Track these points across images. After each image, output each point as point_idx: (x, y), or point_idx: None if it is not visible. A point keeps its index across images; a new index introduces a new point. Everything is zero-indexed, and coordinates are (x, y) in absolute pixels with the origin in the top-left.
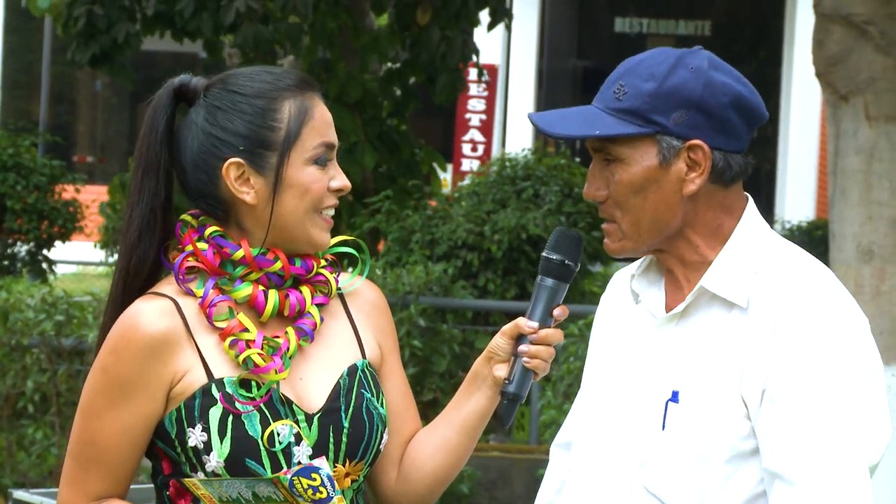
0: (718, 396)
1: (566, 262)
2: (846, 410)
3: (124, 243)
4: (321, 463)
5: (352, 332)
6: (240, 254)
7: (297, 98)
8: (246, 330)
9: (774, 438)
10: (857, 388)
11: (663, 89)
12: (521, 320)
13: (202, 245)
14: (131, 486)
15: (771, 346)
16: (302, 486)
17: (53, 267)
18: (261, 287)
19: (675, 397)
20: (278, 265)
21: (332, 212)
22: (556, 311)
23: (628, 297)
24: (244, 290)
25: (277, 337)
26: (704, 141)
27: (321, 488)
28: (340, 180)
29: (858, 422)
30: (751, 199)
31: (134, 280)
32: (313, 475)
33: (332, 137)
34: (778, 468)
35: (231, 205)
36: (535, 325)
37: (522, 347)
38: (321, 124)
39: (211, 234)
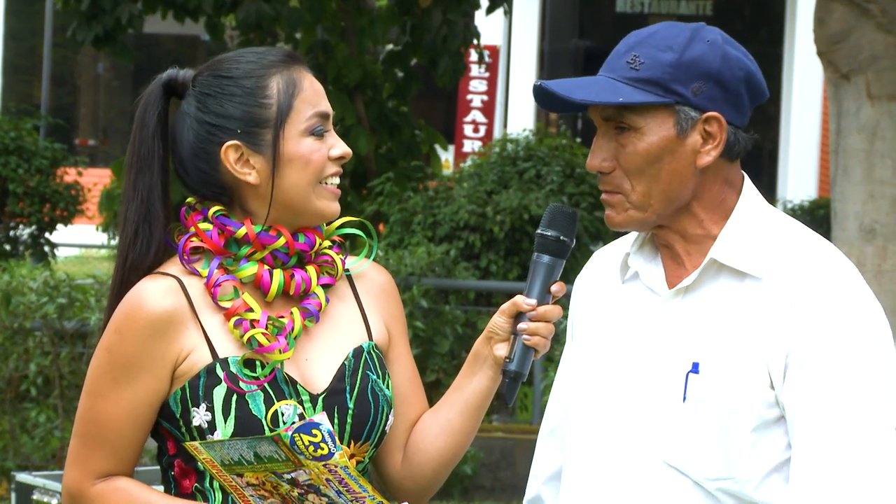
0: (742, 365)
1: (561, 237)
2: (873, 374)
3: (121, 241)
4: (322, 419)
5: (359, 313)
6: (242, 231)
7: (284, 72)
8: (251, 310)
9: (804, 403)
10: (881, 352)
11: (683, 60)
12: (518, 298)
13: (205, 226)
14: (136, 469)
15: (792, 315)
16: (303, 443)
17: (55, 250)
18: (266, 267)
19: (695, 369)
20: (282, 241)
21: (336, 180)
22: (553, 288)
23: (613, 276)
24: (249, 270)
25: (282, 317)
26: (720, 113)
27: (322, 444)
28: (340, 148)
29: (884, 385)
30: (746, 175)
31: (130, 275)
32: (314, 431)
33: (326, 107)
34: (809, 432)
35: (234, 189)
36: (534, 302)
37: (521, 325)
38: (312, 95)
39: (214, 213)
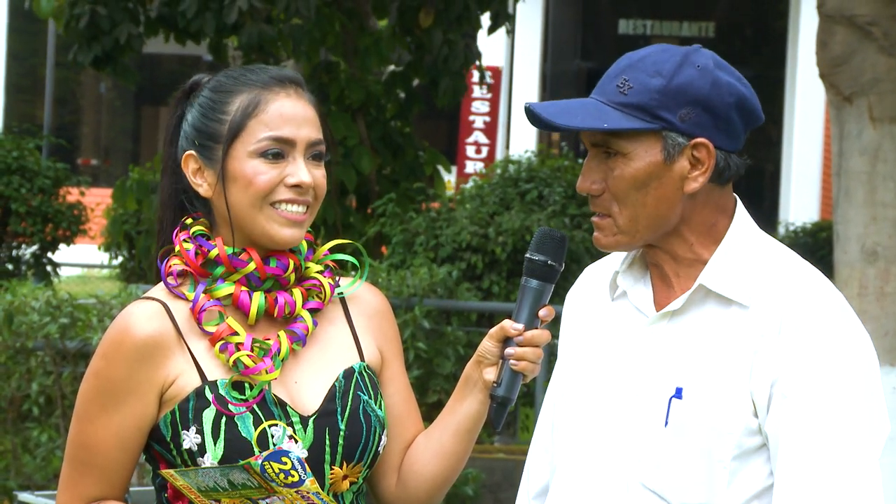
0: (726, 393)
1: (549, 262)
2: (858, 406)
3: (160, 238)
4: (290, 446)
5: (350, 335)
6: (214, 252)
7: (256, 92)
8: (235, 333)
9: (788, 433)
10: (866, 385)
11: (671, 86)
12: (506, 323)
13: (188, 245)
14: (134, 489)
15: (779, 345)
16: (273, 471)
17: (58, 269)
18: (243, 288)
19: (678, 394)
20: (251, 266)
21: (294, 207)
22: (541, 313)
23: (603, 293)
24: (225, 290)
25: (269, 339)
26: (708, 139)
27: (293, 472)
28: (298, 177)
29: (868, 417)
30: (739, 200)
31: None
32: (283, 459)
33: (290, 133)
34: (791, 462)
35: (207, 202)
36: (521, 327)
37: (509, 350)
38: (275, 118)
39: (194, 232)
